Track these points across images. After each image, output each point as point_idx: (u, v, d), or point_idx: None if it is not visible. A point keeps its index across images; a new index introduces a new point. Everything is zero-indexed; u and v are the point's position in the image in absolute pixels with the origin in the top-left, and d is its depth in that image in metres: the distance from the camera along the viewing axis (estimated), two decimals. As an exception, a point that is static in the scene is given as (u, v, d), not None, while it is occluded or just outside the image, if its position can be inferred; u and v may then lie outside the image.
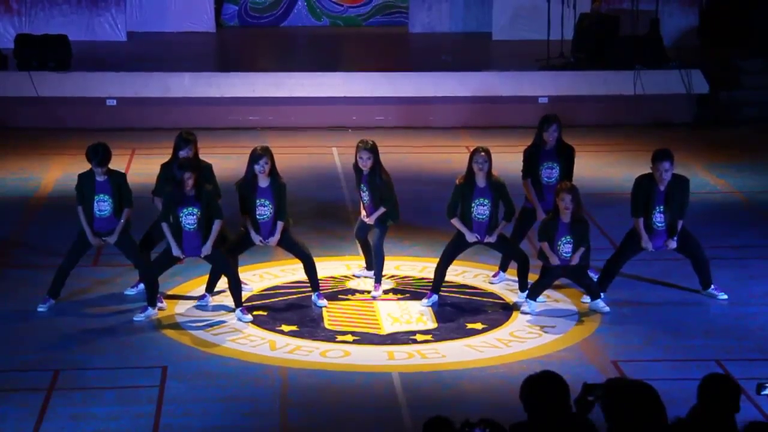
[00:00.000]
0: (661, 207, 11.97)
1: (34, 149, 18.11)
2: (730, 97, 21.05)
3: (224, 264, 11.78)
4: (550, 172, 12.51)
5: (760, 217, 15.17)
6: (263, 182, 11.85)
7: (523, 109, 19.55)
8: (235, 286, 11.77)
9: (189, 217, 11.54)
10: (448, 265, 12.20)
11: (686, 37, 23.71)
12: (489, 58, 22.64)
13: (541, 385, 6.02)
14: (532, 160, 12.56)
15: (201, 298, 12.11)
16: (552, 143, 12.50)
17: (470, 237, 11.96)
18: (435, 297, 12.17)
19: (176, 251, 11.61)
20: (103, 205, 11.77)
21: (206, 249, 11.57)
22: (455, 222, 12.00)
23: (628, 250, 12.26)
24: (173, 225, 11.57)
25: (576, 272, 11.92)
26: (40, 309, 11.84)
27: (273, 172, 11.91)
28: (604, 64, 20.56)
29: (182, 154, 12.04)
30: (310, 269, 12.10)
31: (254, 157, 11.83)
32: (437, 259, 12.24)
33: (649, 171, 12.02)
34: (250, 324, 11.67)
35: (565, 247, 11.75)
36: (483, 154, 11.83)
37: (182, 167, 11.52)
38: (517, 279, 12.43)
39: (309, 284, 12.19)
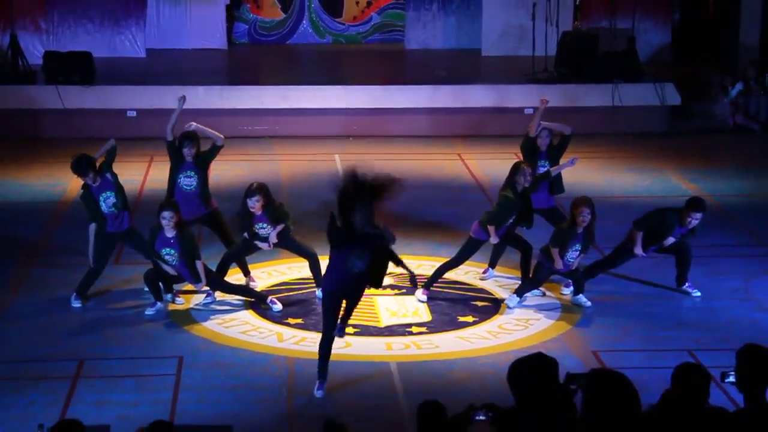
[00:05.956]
0: (670, 243, 12.04)
1: (60, 157, 18.03)
2: (701, 108, 21.08)
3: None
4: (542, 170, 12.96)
5: (729, 219, 15.15)
6: (257, 212, 11.81)
7: (510, 120, 19.53)
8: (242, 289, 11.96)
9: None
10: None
11: (660, 52, 23.74)
12: (479, 73, 22.61)
13: (530, 365, 5.94)
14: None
15: (207, 295, 12.05)
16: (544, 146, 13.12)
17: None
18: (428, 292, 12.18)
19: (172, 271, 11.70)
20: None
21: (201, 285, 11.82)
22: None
23: (618, 260, 12.28)
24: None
25: (571, 271, 11.92)
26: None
27: (266, 204, 11.79)
28: (584, 78, 20.54)
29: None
30: (315, 267, 12.09)
31: (248, 193, 11.78)
32: (432, 257, 12.23)
33: (679, 209, 12.02)
34: (260, 317, 11.67)
35: (573, 253, 11.75)
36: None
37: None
38: (505, 276, 12.40)
39: (314, 281, 12.19)
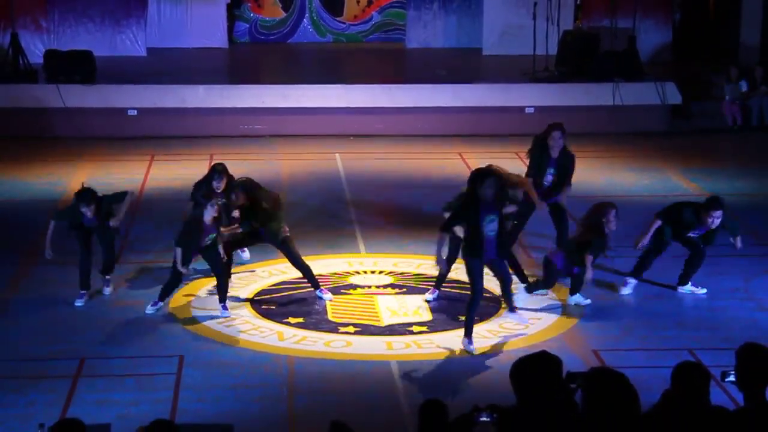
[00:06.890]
0: (693, 236, 12.13)
1: (61, 156, 18.09)
2: (701, 107, 21.10)
3: (220, 265, 11.77)
4: (549, 178, 12.64)
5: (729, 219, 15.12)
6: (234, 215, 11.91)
7: (511, 119, 19.56)
8: (224, 286, 11.76)
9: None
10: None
11: (661, 52, 23.74)
12: (480, 72, 22.63)
13: (534, 363, 5.92)
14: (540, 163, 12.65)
15: (222, 308, 11.78)
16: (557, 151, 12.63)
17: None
18: (436, 292, 12.16)
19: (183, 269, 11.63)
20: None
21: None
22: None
23: (659, 247, 12.29)
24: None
25: (569, 273, 11.98)
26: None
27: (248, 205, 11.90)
28: (585, 77, 20.57)
29: (215, 185, 12.27)
30: (307, 273, 12.09)
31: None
32: (432, 256, 12.15)
33: (697, 204, 12.14)
34: (261, 316, 11.68)
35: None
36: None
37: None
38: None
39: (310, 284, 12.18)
